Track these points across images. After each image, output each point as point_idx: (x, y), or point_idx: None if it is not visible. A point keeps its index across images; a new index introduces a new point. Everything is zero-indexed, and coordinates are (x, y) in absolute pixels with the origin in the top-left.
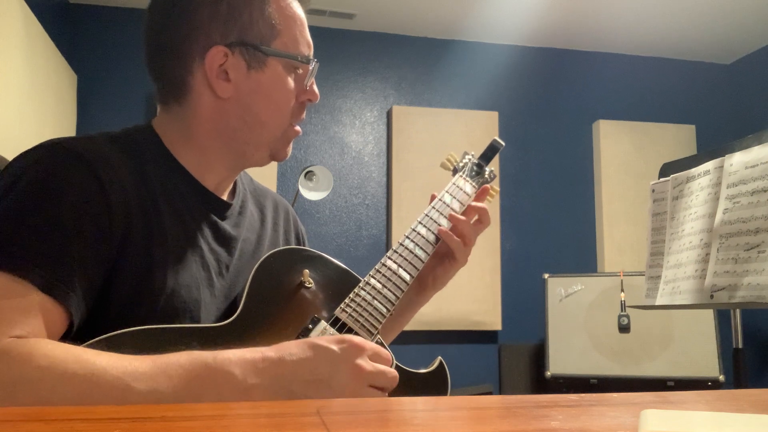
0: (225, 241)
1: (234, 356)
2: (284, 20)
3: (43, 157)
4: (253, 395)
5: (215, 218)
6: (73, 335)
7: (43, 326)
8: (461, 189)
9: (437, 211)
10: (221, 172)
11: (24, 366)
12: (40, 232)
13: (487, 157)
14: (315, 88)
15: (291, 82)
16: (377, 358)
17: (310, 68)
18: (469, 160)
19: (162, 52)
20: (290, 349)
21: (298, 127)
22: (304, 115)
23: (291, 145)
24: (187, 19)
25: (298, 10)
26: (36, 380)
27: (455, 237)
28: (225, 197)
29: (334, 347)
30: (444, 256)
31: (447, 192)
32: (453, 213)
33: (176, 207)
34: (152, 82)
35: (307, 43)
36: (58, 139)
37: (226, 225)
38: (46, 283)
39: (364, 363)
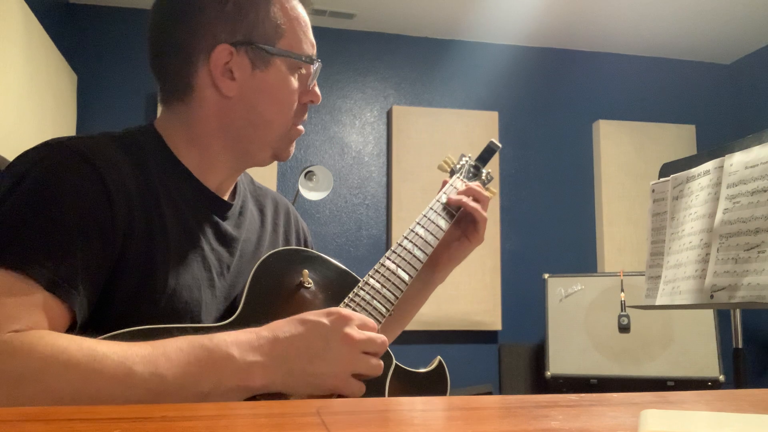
0: (226, 241)
1: (230, 337)
2: (288, 21)
3: (47, 156)
4: (252, 373)
5: (217, 218)
6: (75, 334)
7: (45, 323)
8: (458, 190)
9: (435, 212)
10: (223, 172)
11: (28, 357)
12: (44, 231)
13: (483, 158)
14: (317, 89)
15: (295, 82)
16: (365, 327)
17: (313, 68)
18: (466, 161)
19: (167, 51)
20: (282, 326)
21: (301, 127)
22: (306, 116)
23: (294, 145)
24: (193, 17)
25: (302, 11)
26: (40, 370)
27: (481, 210)
28: (226, 198)
29: (324, 320)
30: (462, 235)
31: (444, 193)
32: (470, 185)
33: (178, 207)
34: (156, 82)
35: (310, 44)
36: (61, 138)
37: (227, 225)
38: (49, 281)
39: (353, 331)
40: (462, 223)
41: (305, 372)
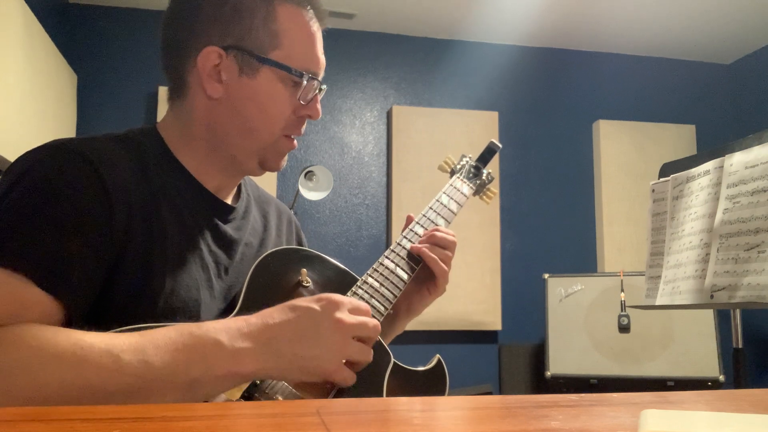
0: (225, 243)
1: (219, 324)
2: (290, 34)
3: (47, 156)
4: (241, 359)
5: (217, 221)
6: None
7: (38, 320)
8: (458, 190)
9: (434, 211)
10: (217, 176)
11: (15, 349)
12: (41, 229)
13: (484, 159)
14: (318, 105)
15: (285, 94)
16: (357, 311)
17: (304, 83)
18: (467, 162)
19: (168, 48)
20: (272, 313)
21: (294, 141)
22: (302, 130)
23: (285, 158)
24: (192, 17)
25: (313, 27)
26: (28, 361)
27: (440, 262)
28: (229, 201)
29: (314, 305)
30: (423, 284)
31: (444, 193)
32: (435, 231)
33: (177, 208)
34: (165, 80)
35: (314, 60)
36: (62, 139)
37: (227, 228)
38: (43, 279)
39: (345, 316)
40: (422, 272)
41: (296, 356)
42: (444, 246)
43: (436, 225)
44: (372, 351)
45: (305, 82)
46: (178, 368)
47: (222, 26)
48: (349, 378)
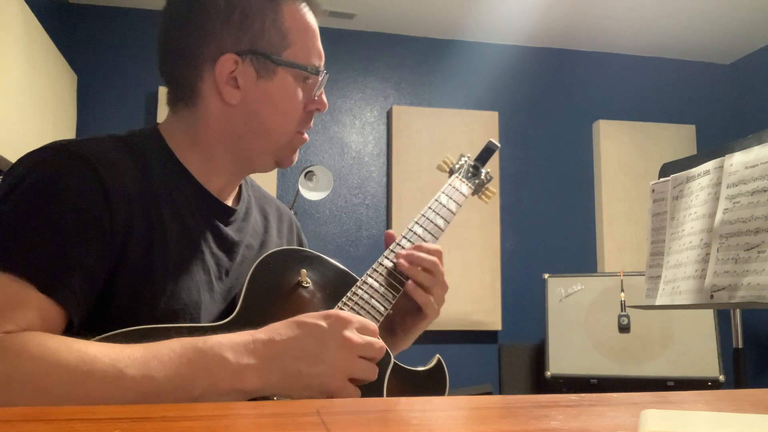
0: (226, 245)
1: (225, 339)
2: (296, 31)
3: (48, 158)
4: (246, 376)
5: (218, 223)
6: (73, 335)
7: (39, 324)
8: (457, 190)
9: (434, 211)
10: (225, 177)
11: (18, 358)
12: (41, 232)
13: (483, 158)
14: (324, 98)
15: (299, 91)
16: (364, 331)
17: (320, 79)
18: (465, 161)
19: (174, 56)
20: (279, 329)
21: (306, 135)
22: (311, 124)
23: (297, 153)
24: (200, 25)
25: (312, 21)
26: (30, 371)
27: (422, 292)
28: (230, 203)
29: (321, 322)
30: (414, 308)
31: (443, 193)
32: (409, 252)
33: (179, 210)
34: (164, 85)
35: (318, 54)
36: (63, 141)
37: (228, 230)
38: (44, 283)
39: (352, 335)
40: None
41: (301, 373)
42: (427, 269)
43: (436, 224)
44: (377, 369)
45: (320, 78)
46: (181, 384)
47: (234, 32)
48: (353, 395)
